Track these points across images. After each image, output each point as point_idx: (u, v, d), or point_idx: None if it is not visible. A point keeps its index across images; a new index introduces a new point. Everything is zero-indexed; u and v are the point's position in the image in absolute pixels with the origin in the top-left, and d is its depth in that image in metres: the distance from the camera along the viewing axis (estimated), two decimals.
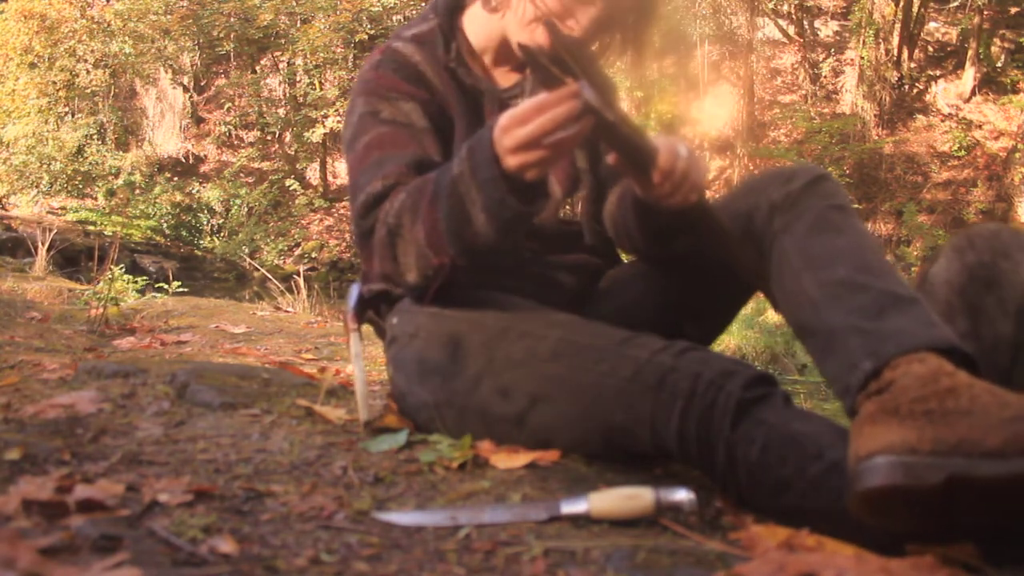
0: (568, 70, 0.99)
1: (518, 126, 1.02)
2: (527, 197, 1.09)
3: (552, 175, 1.36)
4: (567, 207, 1.47)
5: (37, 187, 14.27)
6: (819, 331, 1.08)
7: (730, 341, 7.56)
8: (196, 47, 16.21)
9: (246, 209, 14.53)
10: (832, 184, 1.20)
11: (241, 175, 15.46)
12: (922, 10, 14.28)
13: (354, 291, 1.39)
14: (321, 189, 15.30)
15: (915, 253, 11.74)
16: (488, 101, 1.36)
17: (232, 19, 14.91)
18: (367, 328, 1.46)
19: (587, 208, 1.43)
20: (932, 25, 15.07)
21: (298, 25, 14.80)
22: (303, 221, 14.72)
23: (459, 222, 1.11)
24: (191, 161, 16.27)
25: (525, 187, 1.08)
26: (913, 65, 14.51)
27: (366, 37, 14.45)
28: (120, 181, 14.79)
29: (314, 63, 15.24)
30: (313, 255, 13.75)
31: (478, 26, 1.38)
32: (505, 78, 1.40)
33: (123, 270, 5.53)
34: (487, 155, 1.06)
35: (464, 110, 1.34)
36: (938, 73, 14.62)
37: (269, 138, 16.12)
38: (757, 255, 1.24)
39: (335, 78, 15.55)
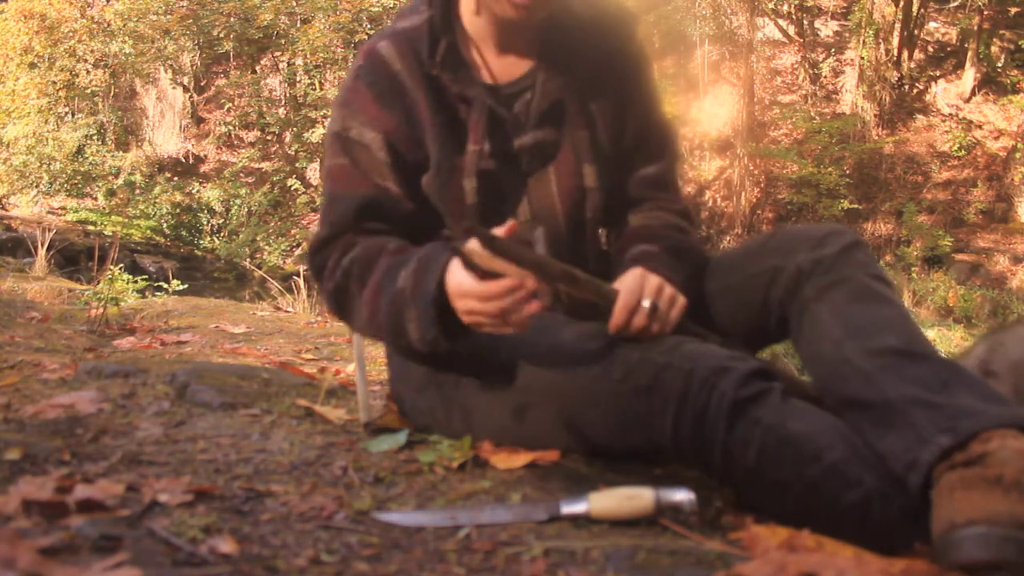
0: (513, 258, 1.01)
1: (475, 300, 1.04)
2: (458, 336, 1.11)
3: (555, 191, 1.28)
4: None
5: (37, 187, 14.26)
6: (872, 403, 1.03)
7: None
8: (196, 47, 16.19)
9: (246, 210, 14.52)
10: (867, 253, 1.16)
11: (241, 175, 15.46)
12: (922, 10, 14.27)
13: None
14: (321, 189, 15.29)
15: (915, 253, 11.73)
16: (476, 109, 1.23)
17: (232, 19, 14.90)
18: None
19: (591, 229, 1.31)
20: (932, 25, 15.06)
21: (298, 25, 14.79)
22: (304, 221, 14.72)
23: (395, 330, 1.15)
24: (191, 161, 16.26)
25: (458, 327, 1.10)
26: (913, 65, 14.51)
27: (366, 37, 14.44)
28: (120, 181, 14.77)
29: (314, 63, 15.23)
30: None
31: (467, 9, 1.25)
32: (509, 69, 1.27)
33: (123, 270, 5.53)
34: (430, 290, 1.08)
35: (443, 125, 1.24)
36: (938, 73, 14.62)
37: (269, 138, 16.12)
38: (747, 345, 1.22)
39: (335, 78, 15.54)
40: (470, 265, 1.02)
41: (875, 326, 1.07)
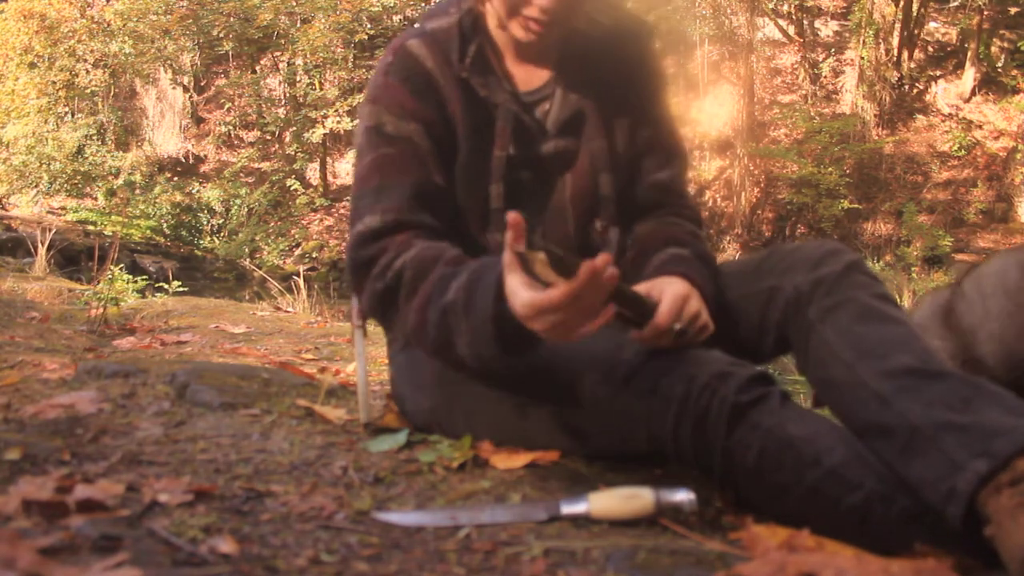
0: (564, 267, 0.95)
1: (550, 314, 0.94)
2: (515, 349, 1.04)
3: (567, 200, 1.28)
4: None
5: (37, 187, 14.26)
6: (894, 427, 0.98)
7: None
8: (196, 47, 16.19)
9: (246, 209, 14.52)
10: (867, 271, 1.14)
11: (241, 175, 15.46)
12: (922, 10, 14.27)
13: None
14: (321, 189, 15.30)
15: (915, 253, 11.72)
16: (502, 115, 1.24)
17: (232, 19, 14.90)
18: (371, 328, 1.45)
19: (600, 238, 1.31)
20: (932, 25, 15.06)
21: (298, 25, 14.79)
22: (303, 221, 14.72)
23: (444, 343, 1.09)
24: (191, 161, 16.26)
25: (516, 339, 1.02)
26: (913, 65, 14.50)
27: (366, 37, 14.45)
28: (120, 181, 14.77)
29: (314, 63, 15.23)
30: (313, 255, 13.75)
31: (493, 19, 1.26)
32: (529, 78, 1.28)
33: (123, 270, 5.52)
34: (486, 306, 1.01)
35: (472, 127, 1.24)
36: (938, 73, 14.61)
37: (269, 138, 16.12)
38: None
39: (335, 78, 15.55)
40: (528, 270, 0.95)
41: (886, 346, 1.04)
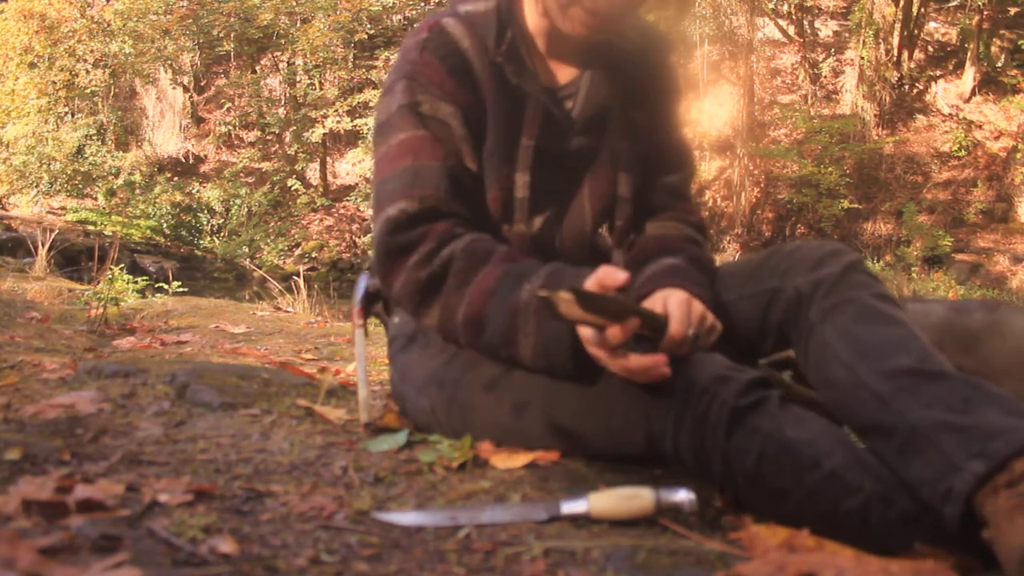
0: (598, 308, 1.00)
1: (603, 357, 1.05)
2: (586, 360, 1.07)
3: (586, 197, 1.30)
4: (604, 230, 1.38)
5: (37, 187, 14.27)
6: (893, 428, 0.99)
7: None
8: (196, 47, 16.21)
9: (246, 210, 14.53)
10: (867, 272, 1.15)
11: (241, 175, 15.46)
12: (922, 10, 14.27)
13: (361, 283, 1.39)
14: (321, 189, 15.30)
15: (915, 253, 11.73)
16: (532, 105, 1.24)
17: (232, 19, 14.91)
18: (371, 328, 1.45)
19: (618, 238, 1.32)
20: (932, 25, 15.07)
21: (298, 25, 14.80)
22: (303, 221, 14.72)
23: (504, 339, 1.11)
24: (191, 161, 16.27)
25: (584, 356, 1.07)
26: (913, 65, 14.51)
27: (366, 37, 14.46)
28: (120, 181, 14.78)
29: (314, 63, 15.24)
30: (313, 255, 13.75)
31: (531, 10, 1.26)
32: (562, 72, 1.29)
33: (123, 270, 5.52)
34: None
35: (502, 113, 1.24)
36: (938, 73, 14.62)
37: (269, 138, 16.12)
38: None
39: (335, 78, 15.56)
40: (555, 315, 1.00)
41: (886, 347, 1.05)
